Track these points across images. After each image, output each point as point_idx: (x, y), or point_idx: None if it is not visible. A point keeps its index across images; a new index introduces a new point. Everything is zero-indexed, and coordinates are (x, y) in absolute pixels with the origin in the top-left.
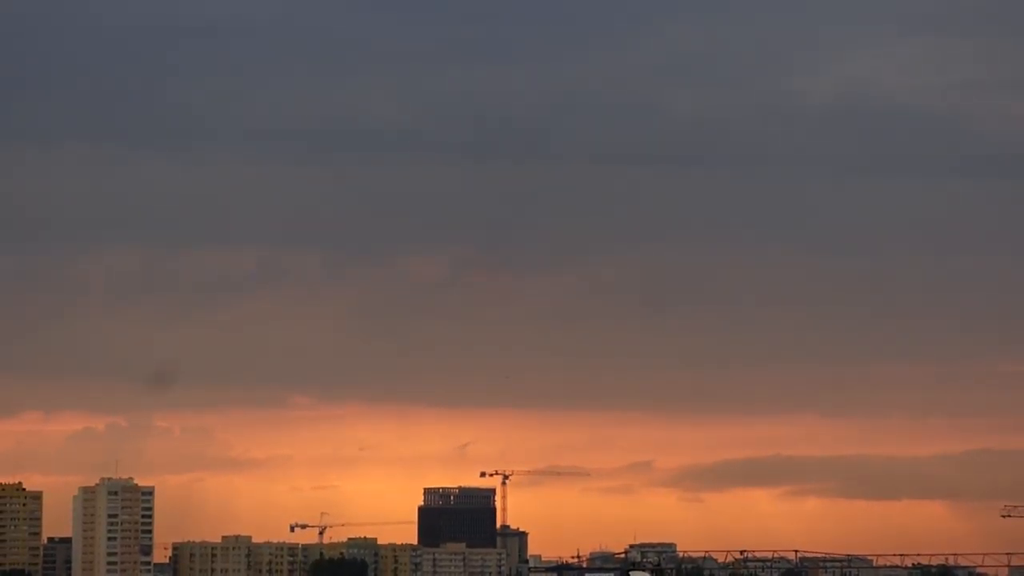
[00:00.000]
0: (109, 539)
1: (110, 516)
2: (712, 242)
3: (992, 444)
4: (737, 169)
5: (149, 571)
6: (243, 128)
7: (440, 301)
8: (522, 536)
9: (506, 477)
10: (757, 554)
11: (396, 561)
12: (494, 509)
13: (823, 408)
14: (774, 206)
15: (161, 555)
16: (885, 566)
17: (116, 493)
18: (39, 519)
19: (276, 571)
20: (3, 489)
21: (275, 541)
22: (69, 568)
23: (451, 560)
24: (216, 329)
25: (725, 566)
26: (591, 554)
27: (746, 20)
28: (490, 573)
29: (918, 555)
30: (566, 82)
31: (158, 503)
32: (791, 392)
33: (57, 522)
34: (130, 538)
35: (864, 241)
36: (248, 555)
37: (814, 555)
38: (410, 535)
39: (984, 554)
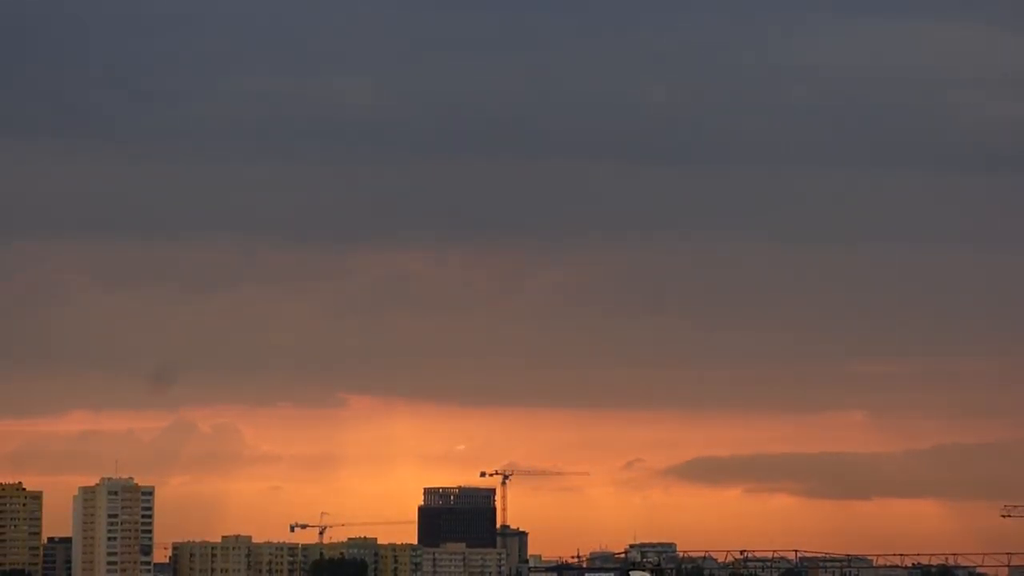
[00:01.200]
0: (109, 539)
1: (110, 516)
2: (693, 239)
3: (957, 439)
4: (724, 164)
5: (149, 571)
6: (231, 124)
7: (428, 296)
8: (522, 536)
9: (506, 477)
10: (757, 554)
11: (396, 561)
12: (494, 509)
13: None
14: (757, 201)
15: (161, 555)
16: (885, 566)
17: (116, 493)
18: (39, 519)
19: (276, 571)
20: (3, 489)
21: (275, 541)
22: (69, 568)
23: (451, 560)
24: (226, 324)
25: (725, 566)
26: (591, 554)
27: (727, 13)
28: (490, 573)
29: (918, 555)
30: (549, 76)
31: (158, 503)
32: (787, 390)
33: (57, 522)
34: (130, 538)
35: (843, 236)
36: (248, 555)
37: (814, 555)
38: (410, 535)
39: (984, 554)
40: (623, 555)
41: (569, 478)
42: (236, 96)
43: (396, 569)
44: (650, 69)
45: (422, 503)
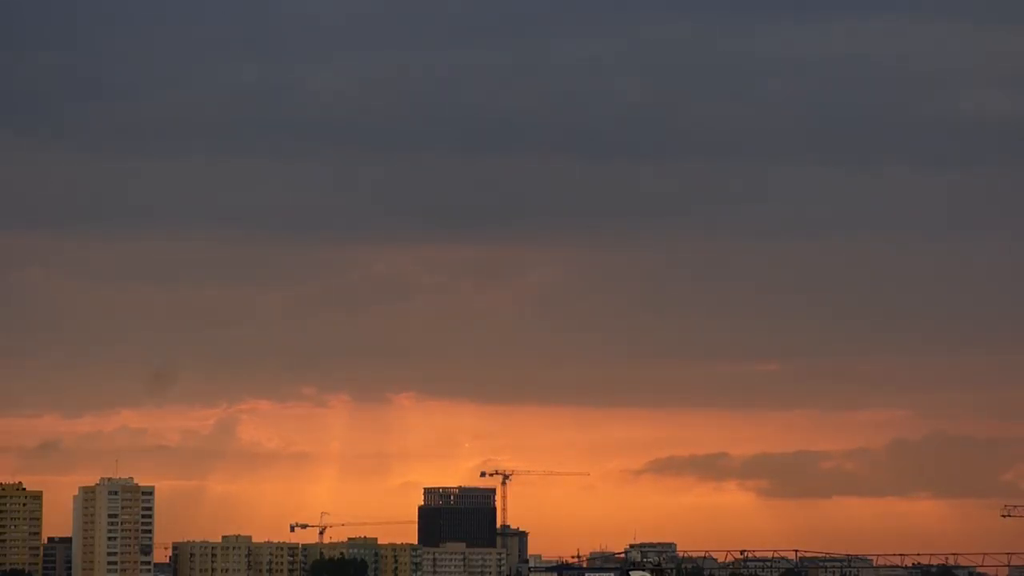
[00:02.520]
0: (109, 539)
1: (110, 516)
2: (663, 237)
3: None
4: (703, 159)
5: (149, 571)
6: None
7: (423, 293)
8: (522, 536)
9: (506, 477)
10: (757, 554)
11: (396, 561)
12: (494, 509)
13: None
14: (732, 196)
15: (161, 555)
16: (885, 566)
17: (116, 493)
18: (39, 519)
19: (276, 571)
20: (3, 489)
21: (275, 541)
22: (69, 568)
23: (451, 560)
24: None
25: (725, 566)
26: (591, 554)
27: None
28: (490, 573)
29: (918, 555)
30: (526, 68)
31: (158, 503)
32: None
33: (57, 522)
34: (130, 538)
35: (813, 233)
36: (248, 555)
37: (814, 555)
38: (410, 535)
39: (984, 554)
40: (623, 555)
41: (569, 478)
42: (211, 89)
43: (396, 569)
44: (625, 64)
45: (422, 503)
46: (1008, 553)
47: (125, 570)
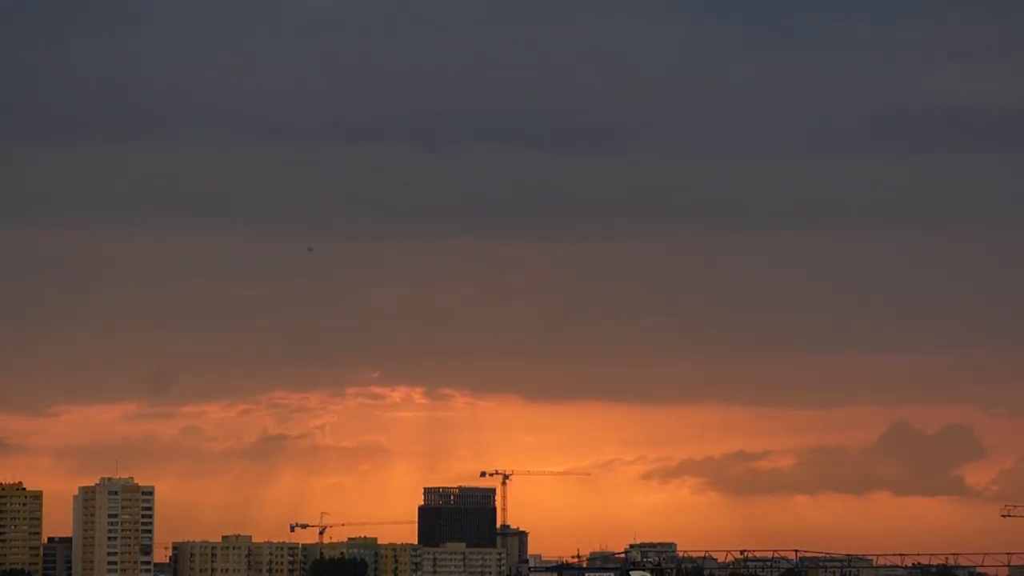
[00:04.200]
0: (109, 539)
1: (110, 516)
2: (630, 233)
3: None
4: (680, 153)
5: (149, 571)
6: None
7: (419, 288)
8: (522, 536)
9: (506, 477)
10: (757, 554)
11: (396, 561)
12: (494, 509)
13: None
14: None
15: (161, 555)
16: (885, 566)
17: (116, 493)
18: (39, 519)
19: (276, 571)
20: (3, 489)
21: (275, 541)
22: (69, 568)
23: (451, 560)
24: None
25: (725, 566)
26: (591, 554)
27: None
28: (490, 573)
29: (918, 555)
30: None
31: (158, 503)
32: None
33: (57, 522)
34: (130, 538)
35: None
36: (248, 555)
37: (814, 555)
38: (410, 535)
39: (984, 554)
40: (623, 555)
41: (569, 477)
42: (202, 83)
43: (396, 569)
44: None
45: (422, 503)
46: (1008, 553)
47: (125, 570)
